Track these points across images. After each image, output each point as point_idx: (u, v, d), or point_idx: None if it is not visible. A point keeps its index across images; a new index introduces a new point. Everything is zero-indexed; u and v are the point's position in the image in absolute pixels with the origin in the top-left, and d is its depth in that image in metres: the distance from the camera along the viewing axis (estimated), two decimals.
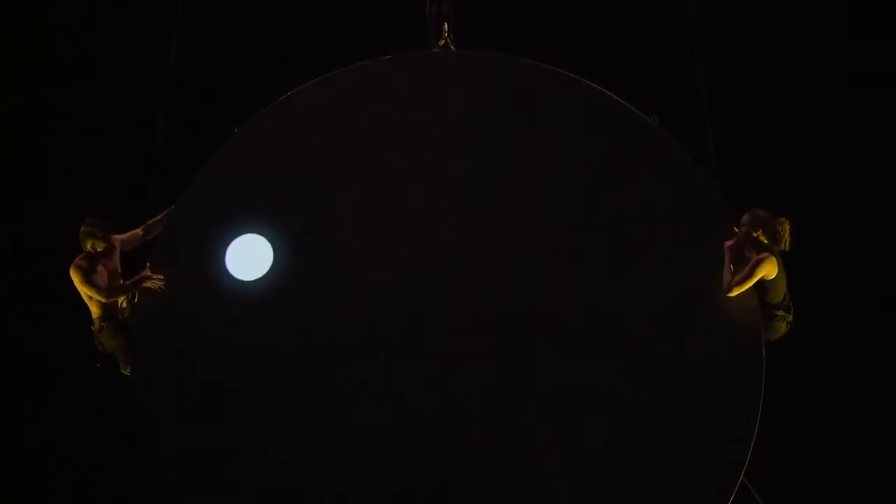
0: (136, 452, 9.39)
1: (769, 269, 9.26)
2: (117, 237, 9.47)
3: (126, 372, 9.47)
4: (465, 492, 9.29)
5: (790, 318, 9.45)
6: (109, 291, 9.31)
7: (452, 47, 10.13)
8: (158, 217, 9.69)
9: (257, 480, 9.27)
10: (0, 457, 11.89)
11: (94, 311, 9.37)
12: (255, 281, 9.53)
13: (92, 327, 9.41)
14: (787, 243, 9.39)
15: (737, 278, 9.26)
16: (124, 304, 9.46)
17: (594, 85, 9.81)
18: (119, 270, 9.46)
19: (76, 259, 9.33)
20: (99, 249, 9.34)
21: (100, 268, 9.34)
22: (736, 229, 9.43)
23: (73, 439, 11.86)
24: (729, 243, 9.36)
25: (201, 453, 9.33)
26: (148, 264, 9.52)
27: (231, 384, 9.37)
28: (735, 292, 9.28)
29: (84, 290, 9.31)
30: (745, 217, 9.40)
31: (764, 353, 9.31)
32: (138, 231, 9.63)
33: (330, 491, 9.30)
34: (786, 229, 9.36)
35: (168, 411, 9.37)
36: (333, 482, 9.30)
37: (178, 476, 9.34)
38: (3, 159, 12.15)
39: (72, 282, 9.32)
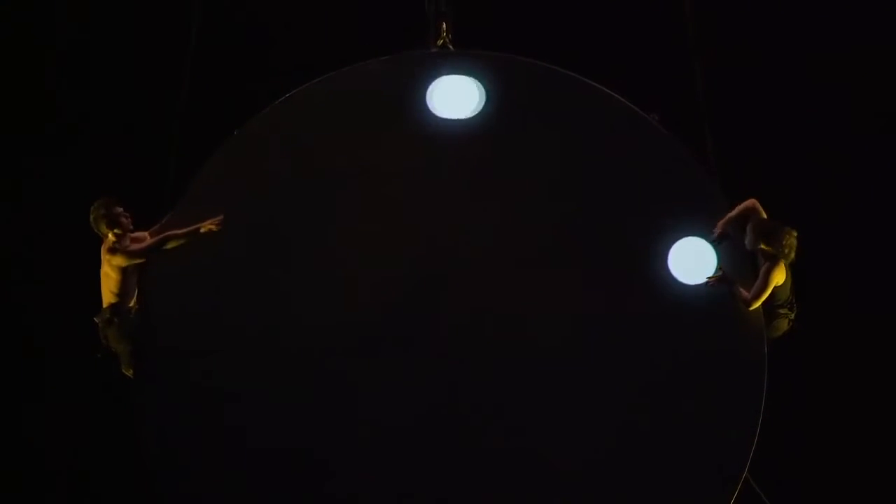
0: (137, 452, 9.35)
1: (780, 276, 9.23)
2: (127, 222, 9.29)
3: (128, 373, 9.44)
4: (467, 493, 9.25)
5: (793, 315, 9.43)
6: (151, 247, 9.17)
7: (451, 47, 10.14)
8: (160, 224, 9.59)
9: (258, 480, 9.24)
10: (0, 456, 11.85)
11: (108, 298, 9.31)
12: (256, 276, 9.51)
13: (96, 318, 9.35)
14: (793, 251, 9.24)
15: (753, 293, 9.21)
16: (134, 304, 9.40)
17: (593, 83, 9.81)
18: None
19: (106, 246, 9.21)
20: (118, 233, 9.19)
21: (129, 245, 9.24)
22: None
23: (73, 438, 11.80)
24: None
25: (202, 452, 9.28)
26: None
27: (231, 383, 9.33)
28: (755, 305, 9.25)
29: (128, 262, 9.17)
30: (749, 234, 9.28)
31: (766, 349, 9.31)
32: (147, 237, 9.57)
33: (331, 491, 9.26)
34: (792, 241, 9.22)
35: (168, 410, 9.33)
36: (334, 482, 9.26)
37: (180, 474, 9.30)
38: (7, 157, 12.13)
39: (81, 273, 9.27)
